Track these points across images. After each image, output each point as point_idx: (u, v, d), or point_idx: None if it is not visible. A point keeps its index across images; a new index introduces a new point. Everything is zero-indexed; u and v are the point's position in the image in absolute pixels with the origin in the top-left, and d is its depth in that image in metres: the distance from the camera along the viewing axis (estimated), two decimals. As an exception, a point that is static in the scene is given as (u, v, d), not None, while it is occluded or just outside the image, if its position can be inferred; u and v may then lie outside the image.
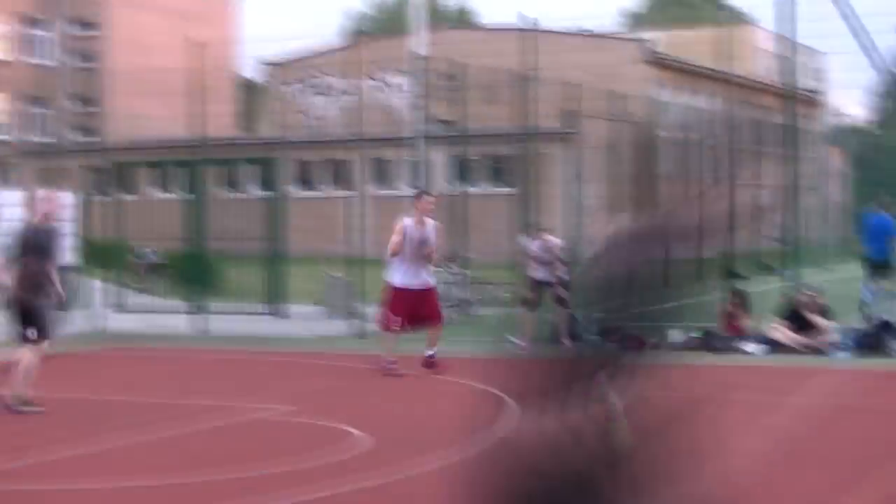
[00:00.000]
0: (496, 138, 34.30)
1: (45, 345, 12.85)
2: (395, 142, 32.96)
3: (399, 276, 15.65)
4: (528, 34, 26.61)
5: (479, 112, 29.62)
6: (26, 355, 12.50)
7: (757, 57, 40.34)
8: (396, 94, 43.18)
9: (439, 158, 25.45)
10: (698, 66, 45.37)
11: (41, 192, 13.68)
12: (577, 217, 27.25)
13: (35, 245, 12.67)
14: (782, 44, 25.69)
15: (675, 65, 46.72)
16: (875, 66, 27.26)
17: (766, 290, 19.90)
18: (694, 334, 18.27)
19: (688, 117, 45.70)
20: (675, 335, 18.71)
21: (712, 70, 43.72)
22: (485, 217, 30.22)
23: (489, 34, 42.86)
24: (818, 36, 21.92)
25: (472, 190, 33.40)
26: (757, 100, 45.28)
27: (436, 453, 10.21)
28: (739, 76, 43.65)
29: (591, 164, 37.75)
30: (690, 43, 44.72)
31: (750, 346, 17.94)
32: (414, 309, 15.58)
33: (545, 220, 22.08)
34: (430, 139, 25.46)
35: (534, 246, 18.69)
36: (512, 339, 18.49)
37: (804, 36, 21.25)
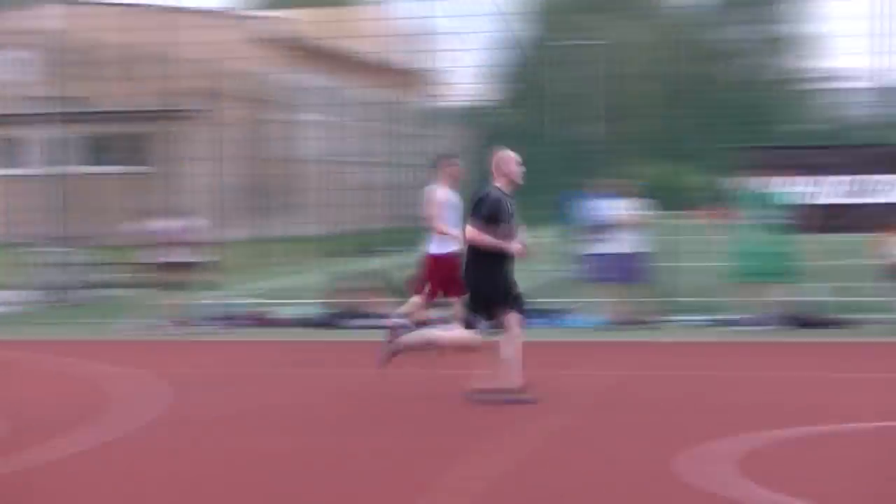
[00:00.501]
0: (128, 116, 33.72)
1: None
2: (24, 119, 31.82)
3: (441, 245, 13.91)
4: (152, 11, 26.28)
5: (112, 90, 29.04)
6: None
7: (379, 37, 41.03)
8: (15, 69, 41.68)
9: (69, 137, 24.72)
10: (321, 47, 45.66)
11: None
12: (209, 196, 27.05)
13: None
14: (403, 24, 26.26)
15: (298, 44, 46.92)
16: (503, 47, 28.29)
17: (388, 265, 20.43)
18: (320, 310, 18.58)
19: (320, 97, 46.06)
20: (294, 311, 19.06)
21: (341, 50, 44.25)
22: (114, 196, 29.62)
23: (123, 10, 41.88)
24: (441, 17, 22.51)
25: (100, 169, 32.73)
26: (377, 79, 46.04)
27: (66, 438, 10.04)
28: (358, 56, 44.35)
29: (223, 144, 37.58)
30: (312, 22, 44.92)
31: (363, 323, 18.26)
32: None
33: (177, 199, 21.90)
34: (60, 116, 24.70)
35: (157, 227, 18.46)
36: (139, 321, 18.34)
37: (426, 17, 21.69)
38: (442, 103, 39.85)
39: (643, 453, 9.26)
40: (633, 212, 17.26)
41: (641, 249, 17.30)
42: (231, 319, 18.66)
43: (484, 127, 48.60)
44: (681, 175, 26.46)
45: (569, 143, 36.85)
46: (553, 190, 31.02)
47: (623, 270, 17.10)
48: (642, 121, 43.40)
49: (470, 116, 48.19)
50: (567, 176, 28.90)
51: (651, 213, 17.79)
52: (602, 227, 17.27)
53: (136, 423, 10.87)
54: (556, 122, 44.46)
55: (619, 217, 17.18)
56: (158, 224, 18.36)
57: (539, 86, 51.55)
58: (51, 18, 24.66)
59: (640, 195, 17.47)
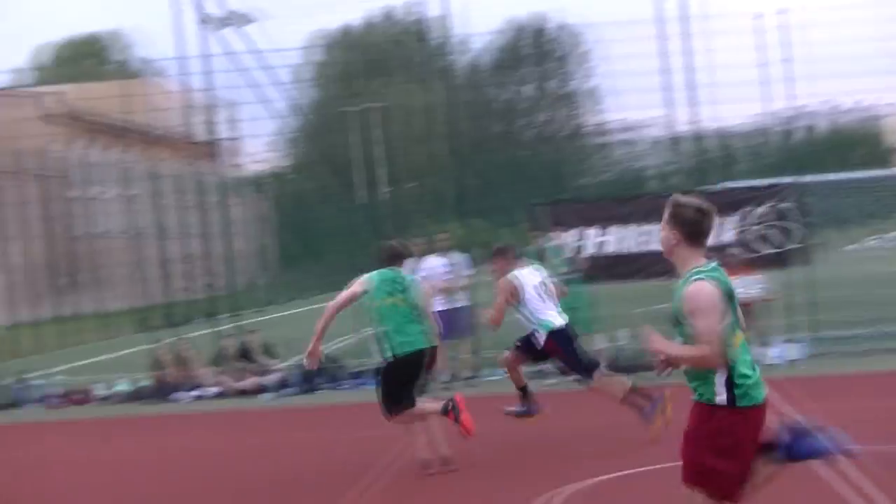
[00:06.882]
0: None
1: None
2: None
3: None
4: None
5: None
6: None
7: (166, 110, 40.67)
8: None
9: None
10: (108, 121, 45.09)
11: None
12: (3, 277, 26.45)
13: None
14: (192, 97, 26.17)
15: (84, 120, 46.22)
16: (282, 115, 28.37)
17: (203, 336, 20.21)
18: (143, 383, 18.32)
19: (113, 172, 45.40)
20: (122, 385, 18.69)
21: (124, 124, 43.79)
22: None
23: None
24: (226, 88, 22.51)
25: None
26: (168, 152, 45.65)
27: None
28: (151, 129, 44.03)
29: (4, 223, 36.70)
30: (98, 96, 44.24)
31: (188, 395, 17.98)
32: None
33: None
34: None
35: None
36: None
37: (212, 88, 21.63)
38: (235, 173, 39.76)
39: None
40: (453, 267, 17.24)
41: (462, 303, 17.22)
42: (43, 399, 18.24)
43: (274, 194, 48.72)
44: (478, 232, 26.76)
45: (355, 205, 36.99)
46: (344, 252, 31.12)
47: (446, 326, 16.93)
48: (430, 181, 43.95)
49: (262, 184, 48.25)
50: (356, 238, 29.10)
51: (468, 266, 17.77)
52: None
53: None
54: (341, 185, 44.76)
55: (443, 274, 17.07)
56: None
57: (324, 151, 51.95)
58: None
59: (455, 251, 17.56)
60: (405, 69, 59.29)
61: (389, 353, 11.04)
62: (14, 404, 18.13)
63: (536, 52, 66.44)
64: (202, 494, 10.83)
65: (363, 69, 56.88)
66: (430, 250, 17.37)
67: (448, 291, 16.87)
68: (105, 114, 44.39)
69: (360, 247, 27.47)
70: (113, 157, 46.35)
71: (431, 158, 43.12)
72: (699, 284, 6.25)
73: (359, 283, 11.32)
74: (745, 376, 6.28)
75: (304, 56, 61.05)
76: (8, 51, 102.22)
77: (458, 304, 17.07)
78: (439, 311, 16.61)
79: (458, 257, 17.56)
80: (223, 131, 28.95)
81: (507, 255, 12.69)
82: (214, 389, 18.00)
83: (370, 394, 16.46)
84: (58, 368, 23.14)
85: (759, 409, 6.33)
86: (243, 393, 17.75)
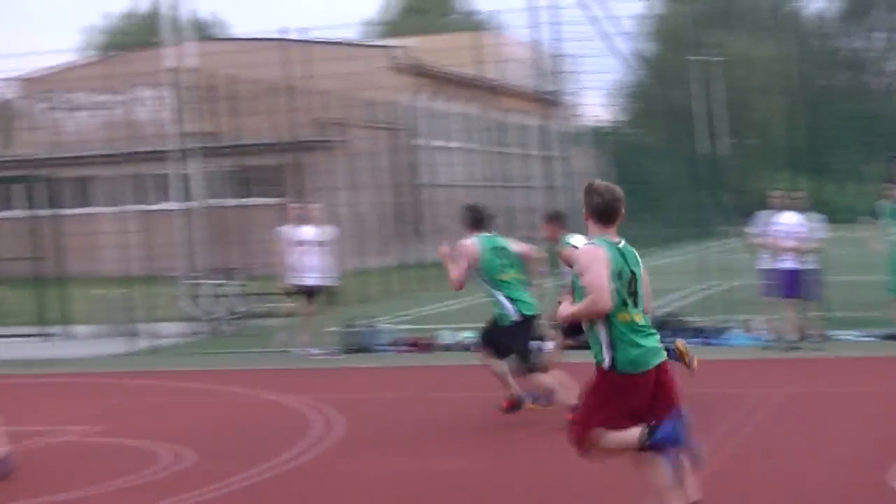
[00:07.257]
0: (258, 149, 34.31)
1: None
2: (156, 156, 32.44)
3: None
4: (286, 45, 26.76)
5: (239, 123, 29.56)
6: None
7: (508, 62, 41.16)
8: (152, 107, 42.51)
9: (201, 171, 25.13)
10: (452, 73, 46.04)
11: None
12: (350, 225, 27.46)
13: None
14: (534, 49, 26.36)
15: (429, 71, 47.30)
16: (622, 68, 28.35)
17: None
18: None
19: (446, 123, 46.40)
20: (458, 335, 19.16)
21: (467, 76, 44.56)
22: (251, 229, 30.06)
23: (245, 45, 42.58)
24: (568, 40, 22.60)
25: (237, 202, 33.29)
26: (510, 104, 46.25)
27: (250, 465, 10.32)
28: (493, 81, 44.67)
29: (354, 172, 38.09)
30: (440, 49, 45.21)
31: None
32: None
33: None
34: (191, 152, 25.04)
35: (301, 234, 18.69)
36: (294, 348, 18.65)
37: (554, 40, 21.73)
38: (573, 125, 39.89)
39: (855, 465, 9.27)
40: (807, 226, 16.83)
41: (812, 265, 16.78)
42: (392, 345, 18.89)
43: (612, 146, 48.75)
44: (824, 187, 26.03)
45: (696, 158, 36.53)
46: (684, 206, 30.91)
47: (795, 286, 16.50)
48: (770, 134, 43.06)
49: (601, 136, 48.35)
50: (698, 192, 28.77)
51: (823, 226, 17.30)
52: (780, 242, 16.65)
53: (312, 449, 11.15)
54: (681, 138, 44.34)
55: (798, 232, 16.69)
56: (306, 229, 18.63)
57: (664, 103, 51.56)
58: (187, 56, 25.10)
59: (807, 209, 17.12)
60: (748, 19, 58.12)
61: (516, 315, 11.61)
62: (364, 349, 18.84)
63: (887, -1, 63.90)
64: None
65: (706, 20, 56.05)
66: (787, 206, 16.90)
67: (798, 251, 16.47)
68: (450, 65, 45.30)
69: (699, 200, 27.22)
70: (457, 108, 47.29)
71: (774, 111, 42.19)
72: (586, 247, 7.22)
73: (471, 246, 11.65)
74: (634, 344, 7.09)
75: (647, 8, 60.70)
76: (359, 4, 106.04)
77: (808, 266, 16.59)
78: (787, 271, 16.40)
79: (815, 217, 17.05)
80: (566, 83, 29.13)
81: (559, 222, 12.75)
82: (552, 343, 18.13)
83: (710, 351, 16.47)
84: (402, 315, 23.93)
85: (639, 377, 7.11)
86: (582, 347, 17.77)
